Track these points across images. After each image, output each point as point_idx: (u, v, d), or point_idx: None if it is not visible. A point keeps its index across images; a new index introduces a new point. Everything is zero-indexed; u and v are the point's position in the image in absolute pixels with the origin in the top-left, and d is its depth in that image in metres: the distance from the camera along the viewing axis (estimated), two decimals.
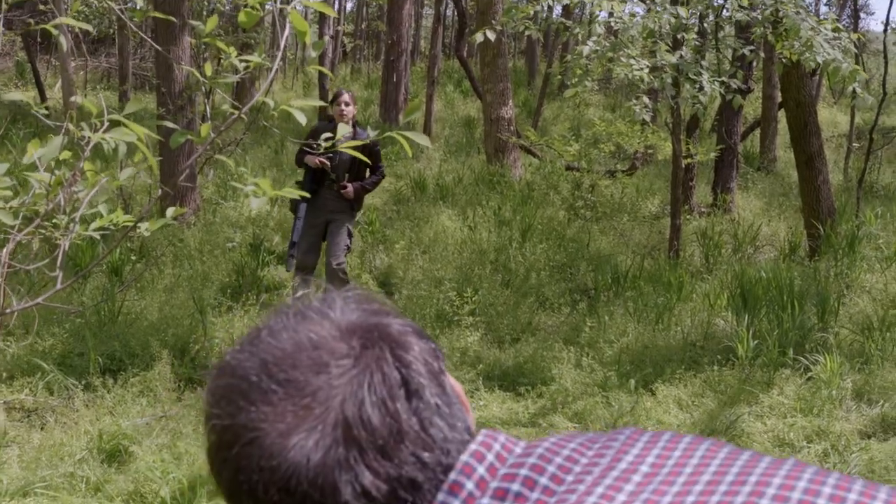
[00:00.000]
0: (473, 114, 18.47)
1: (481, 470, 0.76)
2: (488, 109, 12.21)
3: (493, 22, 10.90)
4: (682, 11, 7.26)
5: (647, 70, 7.22)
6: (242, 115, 2.28)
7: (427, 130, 16.59)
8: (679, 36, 7.97)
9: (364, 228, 9.21)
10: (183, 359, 5.91)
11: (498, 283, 7.86)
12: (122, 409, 5.21)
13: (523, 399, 5.85)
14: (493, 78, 12.00)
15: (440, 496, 0.74)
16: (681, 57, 7.34)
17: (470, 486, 0.75)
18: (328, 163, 6.71)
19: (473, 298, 7.16)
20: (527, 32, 8.46)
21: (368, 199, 11.18)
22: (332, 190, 6.87)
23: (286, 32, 2.12)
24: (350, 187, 6.84)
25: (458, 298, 7.17)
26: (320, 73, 16.70)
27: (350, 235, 7.05)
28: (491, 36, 7.94)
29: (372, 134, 2.56)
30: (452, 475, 0.75)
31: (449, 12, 29.04)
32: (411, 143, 2.34)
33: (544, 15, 7.80)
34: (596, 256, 8.75)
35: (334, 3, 29.83)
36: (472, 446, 0.78)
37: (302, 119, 2.27)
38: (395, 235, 9.21)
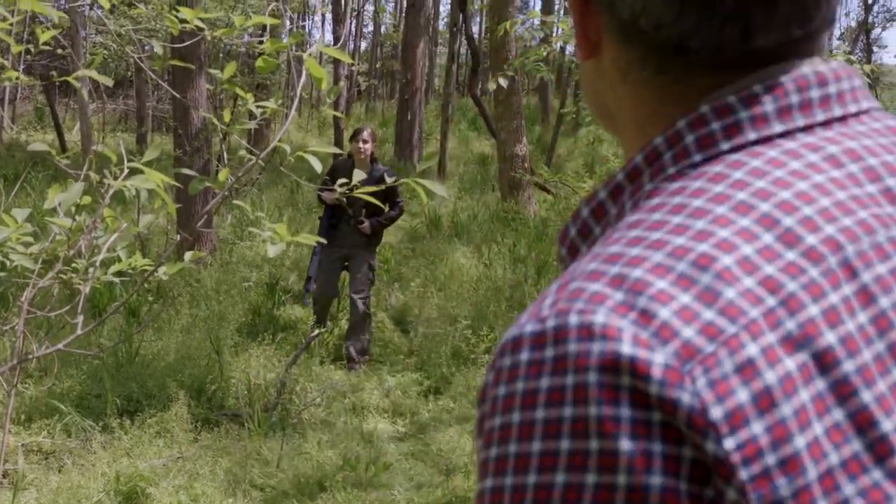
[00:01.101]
0: (487, 151, 18.55)
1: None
2: (502, 147, 12.27)
3: (507, 61, 11.00)
4: None
5: None
6: (259, 161, 2.32)
7: (441, 168, 16.68)
8: None
9: (379, 267, 9.25)
10: (200, 399, 5.92)
11: (513, 321, 7.85)
12: (139, 451, 5.22)
13: None
14: (507, 116, 12.07)
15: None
16: None
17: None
18: (343, 199, 6.76)
19: (489, 336, 7.16)
20: (538, 75, 8.53)
21: (384, 238, 11.24)
22: (349, 225, 6.93)
23: (302, 79, 2.15)
24: (367, 223, 6.90)
25: (474, 336, 7.17)
26: (336, 107, 16.86)
27: (372, 269, 7.11)
28: (503, 83, 8.02)
29: (389, 179, 2.59)
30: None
31: (463, 50, 29.29)
32: (427, 190, 2.37)
33: (556, 54, 7.88)
34: None
35: (348, 42, 30.13)
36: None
37: (317, 165, 2.31)
38: (411, 273, 9.24)
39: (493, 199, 13.09)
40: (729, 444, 0.54)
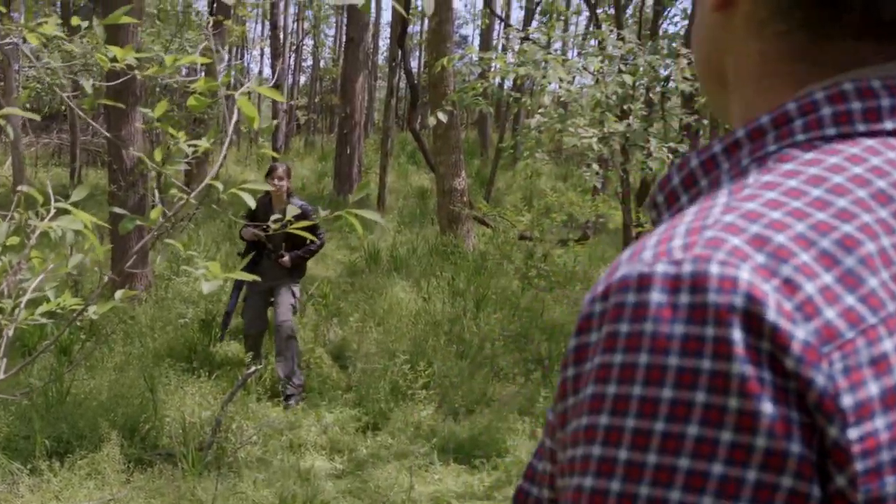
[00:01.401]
0: (427, 185, 18.62)
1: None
2: (441, 181, 12.33)
3: (445, 96, 11.08)
4: (627, 80, 7.43)
5: (595, 139, 7.37)
6: (191, 200, 2.30)
7: (381, 202, 16.68)
8: (626, 106, 8.15)
9: (318, 302, 9.20)
10: (133, 439, 5.81)
11: (452, 354, 7.86)
12: (68, 494, 5.10)
13: (478, 472, 5.82)
14: (446, 150, 12.14)
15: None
16: (628, 125, 7.50)
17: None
18: (262, 234, 6.82)
19: (427, 371, 7.15)
20: (477, 108, 8.61)
21: (322, 272, 11.19)
22: (270, 260, 7.11)
23: (234, 118, 2.15)
24: (287, 257, 7.06)
25: (412, 372, 7.15)
26: (274, 143, 16.82)
27: (295, 296, 7.23)
28: (443, 118, 8.09)
29: (296, 210, 2.57)
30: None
31: (402, 85, 29.40)
32: (363, 220, 2.37)
33: (495, 87, 7.96)
34: (550, 326, 8.80)
35: (287, 76, 30.07)
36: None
37: (251, 203, 2.30)
38: (349, 308, 9.19)
39: (432, 233, 13.13)
40: (853, 434, 0.54)
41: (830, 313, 0.56)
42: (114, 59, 2.54)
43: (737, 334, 0.55)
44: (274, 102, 16.31)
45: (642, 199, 11.24)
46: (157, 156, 2.35)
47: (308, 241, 7.06)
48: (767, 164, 0.66)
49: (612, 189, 12.07)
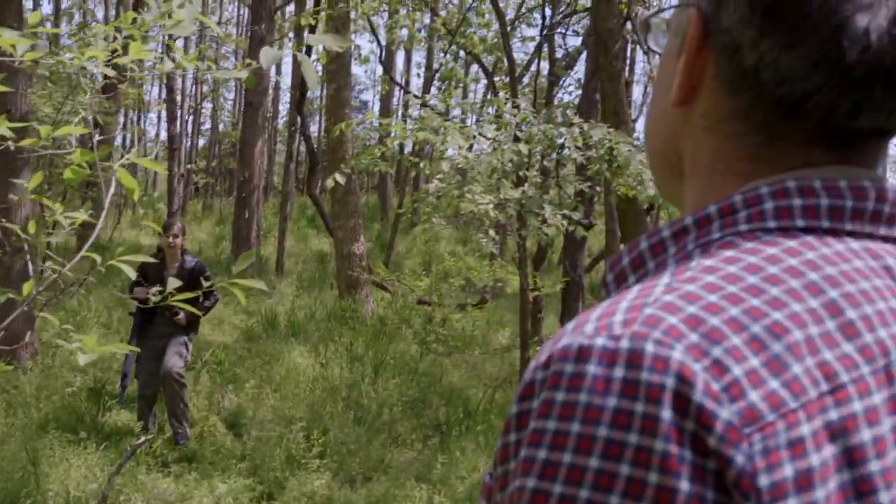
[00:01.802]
0: (326, 249, 18.54)
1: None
2: (340, 245, 12.31)
3: (344, 161, 11.11)
4: (523, 148, 7.58)
5: (492, 206, 7.47)
6: (66, 272, 2.25)
7: (279, 266, 16.53)
8: (521, 173, 8.29)
9: (213, 368, 9.00)
10: None
11: (350, 421, 7.77)
12: None
13: None
14: (344, 214, 12.14)
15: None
16: (524, 192, 7.63)
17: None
18: (152, 296, 6.71)
19: (321, 440, 7.04)
20: (375, 169, 8.66)
21: (219, 337, 10.98)
22: (164, 317, 7.07)
23: (111, 189, 2.12)
24: (182, 314, 7.00)
25: (308, 439, 7.04)
26: (170, 207, 16.56)
27: (187, 347, 7.19)
28: (341, 180, 8.10)
29: (193, 268, 2.54)
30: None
31: (302, 149, 29.40)
32: (247, 289, 2.34)
33: (394, 151, 8.02)
34: (448, 390, 8.79)
35: (185, 139, 29.77)
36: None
37: (132, 274, 2.26)
38: (246, 374, 9.03)
39: (331, 298, 13.04)
40: None
41: (754, 396, 0.59)
42: None
43: (665, 413, 0.58)
44: (170, 165, 16.11)
45: (538, 264, 11.41)
46: (31, 228, 2.30)
47: (201, 299, 7.03)
48: (710, 249, 0.69)
49: (509, 254, 12.22)
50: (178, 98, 16.60)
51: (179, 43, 33.04)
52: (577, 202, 8.73)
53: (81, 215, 2.27)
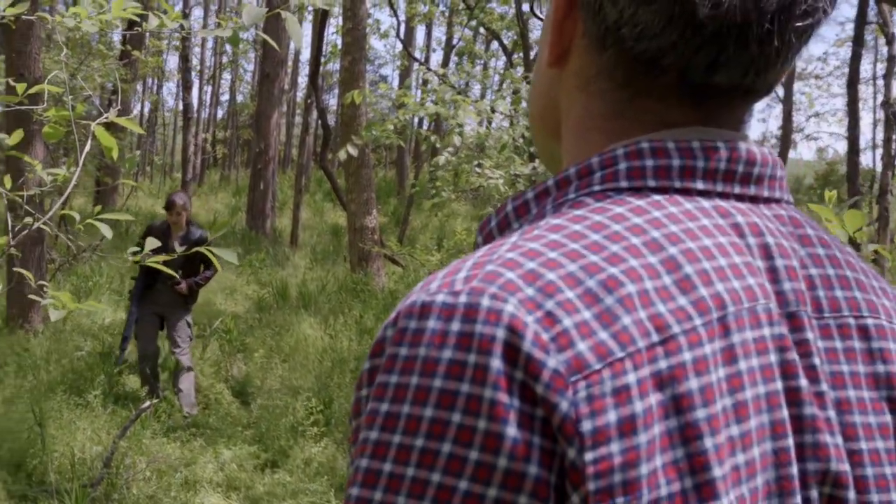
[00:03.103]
0: (341, 222, 18.57)
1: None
2: (352, 218, 12.31)
3: (356, 135, 11.10)
4: None
5: (502, 180, 7.45)
6: (43, 226, 2.25)
7: (294, 238, 16.58)
8: (533, 150, 8.26)
9: (222, 336, 9.05)
10: (18, 475, 5.62)
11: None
12: None
13: None
14: (357, 188, 12.14)
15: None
16: (534, 169, 7.60)
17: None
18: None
19: (326, 410, 7.07)
20: (388, 141, 8.65)
21: (231, 307, 11.03)
22: (165, 285, 7.16)
23: (87, 147, 2.12)
24: (184, 283, 7.12)
25: (314, 409, 7.08)
26: (184, 176, 16.63)
27: (190, 326, 7.37)
28: (353, 152, 8.10)
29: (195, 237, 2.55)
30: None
31: (319, 121, 29.33)
32: (281, 256, 2.34)
33: (409, 122, 8.01)
34: None
35: (203, 109, 29.82)
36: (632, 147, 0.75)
37: (108, 233, 2.27)
38: (255, 343, 9.08)
39: (342, 271, 13.07)
40: (588, 456, 0.59)
41: (582, 346, 0.61)
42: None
43: (495, 363, 0.60)
44: (185, 135, 16.14)
45: None
46: (7, 183, 2.31)
47: (203, 269, 7.20)
48: (563, 209, 0.72)
49: None
50: (197, 67, 16.59)
51: (198, 12, 33.01)
52: None
53: (62, 171, 2.28)
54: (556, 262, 0.65)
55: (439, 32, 47.07)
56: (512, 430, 0.59)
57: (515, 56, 17.63)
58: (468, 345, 0.61)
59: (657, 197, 0.71)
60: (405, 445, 0.61)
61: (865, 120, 67.17)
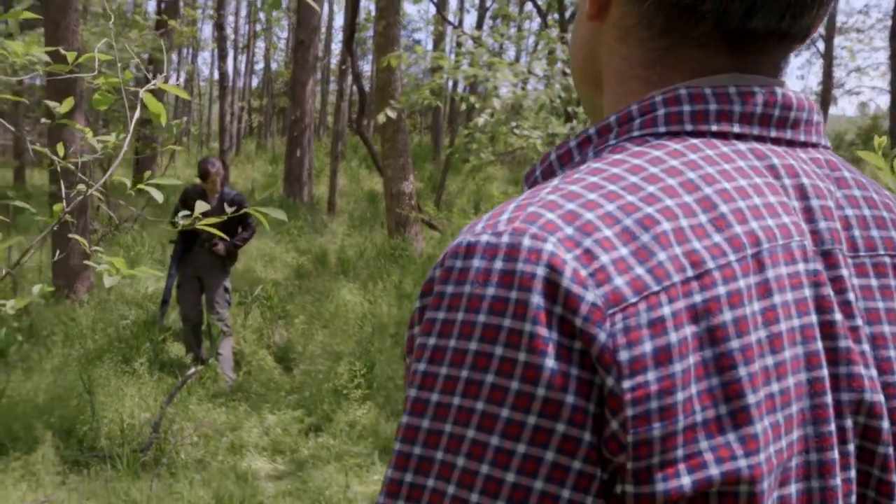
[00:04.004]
0: (378, 188, 18.59)
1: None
2: (389, 184, 12.32)
3: (393, 99, 11.08)
4: (572, 82, 7.49)
5: (540, 140, 7.42)
6: (95, 193, 2.28)
7: (331, 205, 16.64)
8: (570, 109, 8.21)
9: (263, 303, 9.13)
10: (69, 441, 5.73)
11: (398, 357, 7.85)
12: (1, 495, 5.02)
13: None
14: (394, 153, 12.13)
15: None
16: (572, 129, 7.56)
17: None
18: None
19: (365, 374, 7.13)
20: (426, 102, 8.65)
21: (270, 274, 11.13)
22: (203, 248, 7.22)
23: (136, 114, 2.14)
24: (221, 245, 7.17)
25: (356, 374, 7.14)
26: (221, 146, 16.73)
27: (228, 291, 7.40)
28: (392, 115, 8.11)
29: (231, 205, 2.57)
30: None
31: (354, 88, 29.30)
32: (319, 222, 2.36)
33: (444, 86, 7.99)
34: None
35: (239, 78, 29.88)
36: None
37: (159, 198, 2.29)
38: (296, 310, 9.15)
39: (380, 236, 13.11)
40: (626, 384, 0.62)
41: (619, 281, 0.64)
42: (51, 61, 2.51)
43: (535, 298, 0.63)
44: (221, 104, 16.20)
45: None
46: (60, 150, 2.33)
47: (240, 230, 7.25)
48: (603, 154, 0.75)
49: None
50: (232, 36, 16.62)
51: None
52: None
53: (111, 139, 2.30)
54: (595, 203, 0.67)
55: None
56: (550, 362, 0.62)
57: (550, 17, 17.45)
58: (510, 282, 0.64)
59: (694, 140, 0.74)
60: (451, 376, 0.64)
61: None
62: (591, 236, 0.65)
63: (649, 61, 0.80)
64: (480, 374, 0.63)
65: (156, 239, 12.12)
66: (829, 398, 0.69)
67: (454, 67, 7.32)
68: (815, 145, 0.79)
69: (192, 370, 6.34)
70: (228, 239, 7.18)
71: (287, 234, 13.26)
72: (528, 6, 27.41)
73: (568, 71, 7.79)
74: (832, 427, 0.69)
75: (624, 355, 0.62)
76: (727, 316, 0.65)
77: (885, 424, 0.70)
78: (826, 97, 26.36)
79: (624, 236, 0.65)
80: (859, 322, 0.72)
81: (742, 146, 0.74)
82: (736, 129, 0.75)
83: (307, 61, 16.92)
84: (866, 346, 0.71)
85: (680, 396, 0.63)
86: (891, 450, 0.71)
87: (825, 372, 0.69)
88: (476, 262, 0.66)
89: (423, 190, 18.91)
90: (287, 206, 16.35)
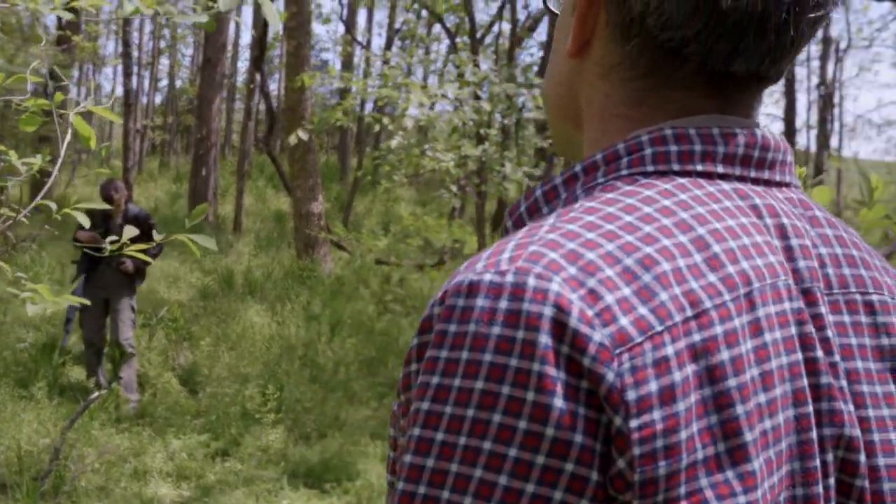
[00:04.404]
0: (285, 208, 18.43)
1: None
2: (298, 205, 12.23)
3: (303, 119, 11.01)
4: (486, 106, 7.58)
5: (453, 162, 7.48)
6: (22, 218, 2.21)
7: (237, 225, 16.41)
8: (482, 131, 8.30)
9: (168, 325, 8.95)
10: None
11: (306, 379, 7.78)
12: None
13: (329, 496, 5.77)
14: (303, 174, 12.05)
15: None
16: (484, 151, 7.63)
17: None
18: (99, 237, 6.73)
19: (276, 396, 7.04)
20: (337, 123, 8.64)
21: (174, 295, 10.89)
22: (111, 266, 7.03)
23: (67, 138, 2.09)
24: (129, 262, 6.98)
25: (264, 396, 7.04)
26: (125, 163, 16.37)
27: (134, 311, 7.23)
28: (304, 136, 8.06)
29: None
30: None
31: (261, 107, 29.04)
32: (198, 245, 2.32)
33: (355, 108, 7.98)
34: (405, 350, 8.78)
35: (143, 95, 29.32)
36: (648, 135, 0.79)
37: (86, 223, 2.23)
38: (201, 332, 8.99)
39: (288, 257, 12.98)
40: (633, 423, 0.63)
41: (624, 321, 0.65)
42: None
43: (543, 338, 0.64)
44: (126, 121, 15.86)
45: (497, 224, 11.43)
46: None
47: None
48: (594, 192, 0.76)
49: (467, 215, 12.25)
50: (135, 53, 16.32)
51: None
52: (538, 160, 8.78)
53: (38, 161, 2.24)
54: (595, 243, 0.68)
55: (381, 16, 46.72)
56: (559, 401, 0.62)
57: (460, 40, 17.62)
58: (516, 321, 0.64)
59: (682, 180, 0.76)
60: (456, 415, 0.64)
61: (801, 101, 68.36)
62: (595, 276, 0.66)
63: (632, 100, 0.81)
64: (487, 413, 0.64)
65: (55, 259, 11.77)
66: (814, 434, 0.71)
67: (364, 89, 7.32)
68: (787, 185, 0.82)
69: (95, 394, 6.16)
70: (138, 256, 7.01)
71: (191, 254, 13.02)
72: (437, 28, 27.63)
73: (480, 94, 7.88)
74: (817, 462, 0.71)
75: (631, 395, 0.63)
76: (724, 355, 0.67)
77: (862, 458, 0.73)
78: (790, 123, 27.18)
79: (626, 276, 0.67)
80: (837, 358, 0.74)
81: (726, 186, 0.77)
82: (720, 169, 0.77)
83: (214, 79, 16.71)
84: (843, 382, 0.74)
85: (683, 435, 0.64)
86: (867, 483, 0.73)
87: (811, 408, 0.71)
88: (480, 301, 0.66)
89: (330, 210, 18.81)
90: (193, 225, 16.03)
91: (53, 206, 2.38)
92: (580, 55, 0.84)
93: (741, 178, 0.78)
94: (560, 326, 0.64)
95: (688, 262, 0.69)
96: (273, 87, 31.77)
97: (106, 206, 2.39)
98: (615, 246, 0.68)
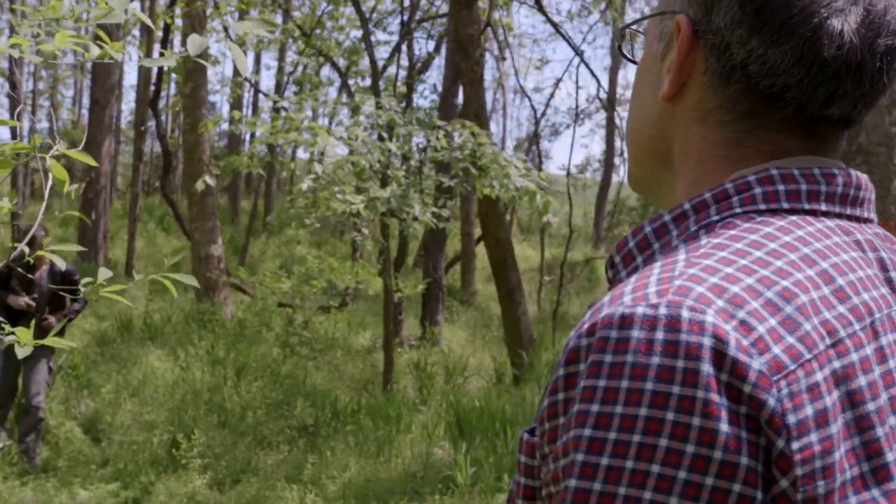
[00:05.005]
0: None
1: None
2: (197, 247, 12.06)
3: (202, 161, 10.91)
4: (394, 147, 7.68)
5: (363, 204, 7.53)
6: None
7: (129, 268, 16.05)
8: (388, 172, 8.38)
9: (67, 373, 8.68)
10: None
11: (214, 424, 7.65)
12: None
13: None
14: (202, 216, 11.92)
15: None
16: (392, 192, 7.72)
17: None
18: (34, 303, 6.48)
19: (185, 444, 6.91)
20: (254, 172, 8.61)
21: (67, 342, 10.55)
22: (31, 322, 6.67)
23: (50, 182, 2.07)
24: (53, 319, 6.66)
25: (173, 443, 6.90)
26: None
27: (50, 370, 6.89)
28: (211, 182, 8.00)
29: (62, 274, 2.50)
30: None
31: (151, 150, 28.48)
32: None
33: (262, 154, 7.98)
34: (313, 392, 8.76)
35: (22, 137, 28.46)
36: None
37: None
38: (101, 379, 8.74)
39: (187, 300, 12.75)
40: (795, 445, 0.68)
41: (777, 349, 0.70)
42: None
43: (705, 367, 0.68)
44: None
45: (398, 265, 11.49)
46: None
47: (70, 302, 6.77)
48: (715, 230, 0.81)
49: (367, 256, 12.28)
50: (21, 94, 15.88)
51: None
52: (445, 199, 8.95)
53: (7, 204, 2.21)
54: (735, 277, 0.73)
55: (268, 58, 46.50)
56: (724, 426, 0.67)
57: (352, 82, 17.73)
58: (675, 351, 0.68)
59: (793, 217, 0.81)
60: (621, 440, 0.68)
61: None
62: (743, 308, 0.71)
63: (730, 142, 0.86)
64: (653, 437, 0.67)
65: None
66: None
67: (276, 132, 7.33)
68: (872, 221, 0.88)
69: (0, 446, 5.94)
70: (58, 312, 6.76)
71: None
72: (325, 70, 27.67)
73: (385, 135, 7.97)
74: None
75: (792, 418, 0.68)
76: (862, 381, 0.73)
77: None
78: (609, 164, 27.88)
79: (769, 308, 0.71)
80: None
81: (830, 223, 0.82)
82: (823, 206, 0.83)
83: (103, 122, 16.37)
84: None
85: (836, 456, 0.69)
86: None
87: None
88: (635, 333, 0.70)
89: (224, 253, 18.54)
90: (83, 270, 15.63)
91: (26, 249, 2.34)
92: (675, 100, 0.89)
93: (839, 216, 0.84)
94: (719, 356, 0.68)
95: (819, 294, 0.74)
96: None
97: (79, 248, 2.36)
98: (754, 280, 0.73)
